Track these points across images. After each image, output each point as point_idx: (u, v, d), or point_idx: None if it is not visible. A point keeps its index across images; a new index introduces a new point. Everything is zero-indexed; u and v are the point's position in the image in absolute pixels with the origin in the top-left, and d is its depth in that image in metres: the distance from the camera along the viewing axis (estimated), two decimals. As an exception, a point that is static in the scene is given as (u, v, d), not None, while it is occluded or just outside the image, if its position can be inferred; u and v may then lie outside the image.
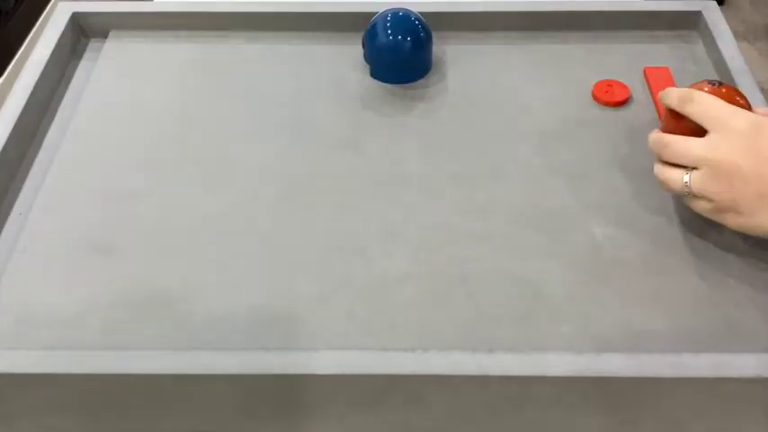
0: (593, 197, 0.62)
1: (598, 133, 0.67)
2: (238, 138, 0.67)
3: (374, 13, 0.73)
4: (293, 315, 0.54)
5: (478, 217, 0.60)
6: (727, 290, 0.55)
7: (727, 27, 0.75)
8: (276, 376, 0.49)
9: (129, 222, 0.60)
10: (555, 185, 0.63)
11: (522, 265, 0.57)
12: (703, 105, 0.54)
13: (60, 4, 0.79)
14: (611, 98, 0.70)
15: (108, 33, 0.79)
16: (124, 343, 0.52)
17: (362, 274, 0.56)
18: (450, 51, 0.76)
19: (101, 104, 0.71)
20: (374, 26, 0.71)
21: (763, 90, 0.68)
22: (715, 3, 0.78)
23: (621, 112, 0.70)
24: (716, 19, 0.76)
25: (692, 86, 0.58)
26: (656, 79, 0.72)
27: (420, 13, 0.73)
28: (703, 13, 0.76)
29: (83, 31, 0.79)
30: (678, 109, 0.56)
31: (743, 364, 0.49)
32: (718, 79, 0.57)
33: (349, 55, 0.75)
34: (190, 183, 0.63)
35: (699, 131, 0.54)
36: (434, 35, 0.73)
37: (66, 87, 0.73)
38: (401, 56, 0.71)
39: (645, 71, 0.73)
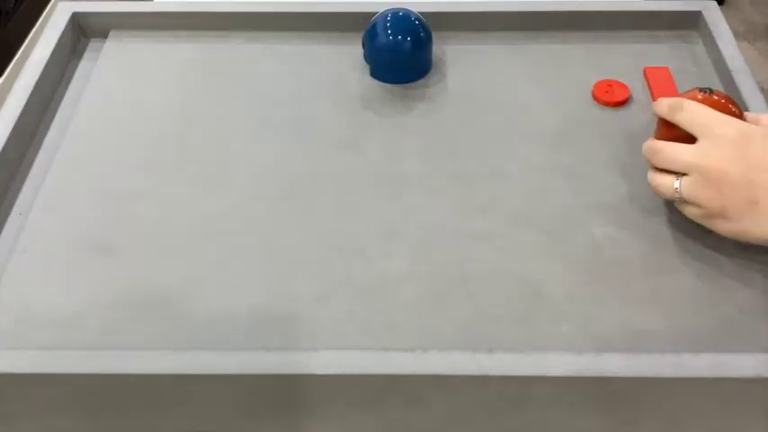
0: (593, 197, 0.62)
1: (598, 133, 0.67)
2: (238, 138, 0.67)
3: (374, 13, 0.73)
4: (293, 315, 0.54)
5: (478, 217, 0.60)
6: (727, 290, 0.55)
7: (727, 27, 0.75)
8: (276, 376, 0.49)
9: (129, 222, 0.60)
10: (555, 185, 0.63)
11: (522, 265, 0.57)
12: (692, 113, 0.56)
13: (60, 4, 0.79)
14: (611, 98, 0.70)
15: (108, 33, 0.79)
16: (124, 343, 0.52)
17: (362, 274, 0.56)
18: (450, 51, 0.76)
19: (101, 104, 0.71)
20: (374, 26, 0.71)
21: (763, 90, 0.68)
22: (715, 3, 0.78)
23: (621, 112, 0.70)
24: (716, 19, 0.76)
25: (683, 94, 0.59)
26: (656, 79, 0.72)
27: (420, 13, 0.73)
28: (703, 13, 0.76)
29: (83, 31, 0.79)
30: (668, 117, 0.57)
31: (743, 364, 0.49)
32: (709, 87, 0.58)
33: (349, 55, 0.75)
34: (190, 183, 0.63)
35: (689, 139, 0.55)
36: (434, 35, 0.73)
37: (66, 87, 0.73)
38: (401, 56, 0.71)
39: (645, 71, 0.73)
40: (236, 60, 0.76)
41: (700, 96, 0.57)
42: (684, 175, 0.55)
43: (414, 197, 0.62)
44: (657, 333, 0.52)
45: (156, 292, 0.55)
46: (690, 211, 0.56)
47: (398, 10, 0.72)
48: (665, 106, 0.58)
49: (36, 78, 0.70)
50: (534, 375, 0.49)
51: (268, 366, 0.50)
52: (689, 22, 0.77)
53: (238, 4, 0.79)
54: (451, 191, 0.62)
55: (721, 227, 0.54)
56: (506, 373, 0.49)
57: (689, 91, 0.59)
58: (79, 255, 0.58)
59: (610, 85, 0.71)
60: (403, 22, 0.71)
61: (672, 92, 0.70)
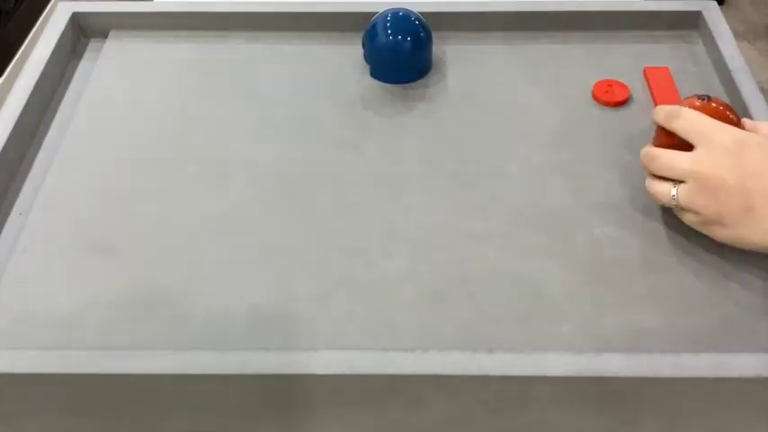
0: (594, 197, 0.62)
1: (598, 133, 0.67)
2: (238, 138, 0.67)
3: (374, 13, 0.73)
4: (293, 315, 0.54)
5: (478, 217, 0.60)
6: (727, 290, 0.55)
7: (728, 27, 0.75)
8: (276, 376, 0.49)
9: (129, 222, 0.60)
10: (555, 185, 0.63)
11: (522, 265, 0.57)
12: (689, 121, 0.56)
13: (60, 4, 0.79)
14: (611, 98, 0.70)
15: (108, 33, 0.79)
16: (124, 343, 0.52)
17: (362, 274, 0.56)
18: (450, 51, 0.76)
19: (101, 104, 0.71)
20: (374, 26, 0.71)
21: (763, 90, 0.68)
22: (715, 3, 0.78)
23: (621, 112, 0.70)
24: (716, 19, 0.76)
25: (682, 101, 0.59)
26: (656, 79, 0.72)
27: (420, 13, 0.73)
28: (703, 13, 0.76)
29: (83, 31, 0.79)
30: (665, 125, 0.58)
31: (743, 364, 0.49)
32: (707, 94, 0.58)
33: (349, 55, 0.75)
34: (190, 183, 0.63)
35: (687, 147, 0.56)
36: (434, 35, 0.73)
37: (66, 87, 0.73)
38: (401, 56, 0.71)
39: (645, 71, 0.73)
40: (236, 60, 0.76)
41: (698, 104, 0.58)
42: (681, 182, 0.55)
43: (414, 197, 0.62)
44: (657, 333, 0.52)
45: (156, 292, 0.55)
46: (687, 218, 0.56)
47: (398, 10, 0.72)
48: (662, 114, 0.58)
49: (36, 78, 0.70)
50: (534, 375, 0.49)
51: (268, 366, 0.50)
52: (689, 22, 0.77)
53: (238, 4, 0.79)
54: (451, 191, 0.62)
55: (718, 233, 0.55)
56: (506, 373, 0.49)
57: (687, 98, 0.59)
58: (79, 255, 0.58)
59: (610, 85, 0.71)
60: (403, 22, 0.71)
61: (672, 92, 0.70)
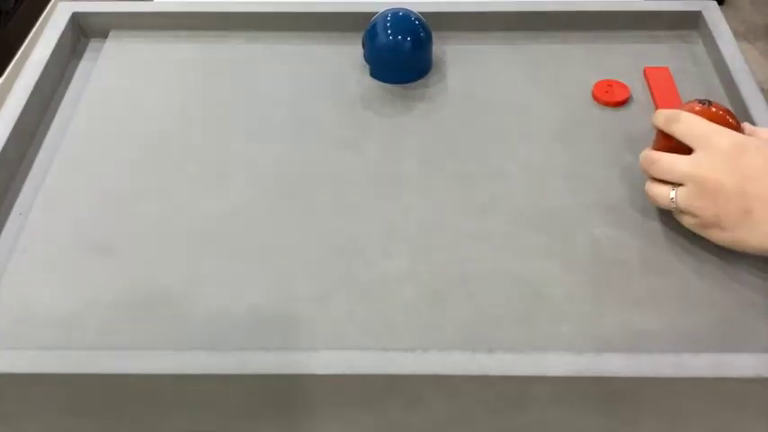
0: (594, 197, 0.62)
1: (598, 133, 0.67)
2: (238, 138, 0.67)
3: (374, 13, 0.73)
4: (293, 315, 0.54)
5: (478, 217, 0.60)
6: (727, 290, 0.55)
7: (728, 27, 0.75)
8: (276, 376, 0.49)
9: (129, 222, 0.60)
10: (555, 185, 0.63)
11: (522, 265, 0.57)
12: (688, 125, 0.56)
13: (60, 4, 0.79)
14: (611, 98, 0.70)
15: (108, 33, 0.79)
16: (124, 343, 0.52)
17: (362, 274, 0.56)
18: (450, 51, 0.76)
19: (101, 104, 0.71)
20: (374, 26, 0.71)
21: (763, 90, 0.68)
22: (715, 3, 0.78)
23: (621, 112, 0.70)
24: (716, 19, 0.76)
25: (682, 106, 0.60)
26: (656, 79, 0.72)
27: (420, 13, 0.73)
28: (703, 13, 0.76)
29: (83, 31, 0.79)
30: (665, 129, 0.58)
31: (743, 364, 0.49)
32: (708, 99, 0.59)
33: (349, 55, 0.76)
34: (190, 183, 0.63)
35: (687, 150, 0.56)
36: (434, 35, 0.73)
37: (66, 87, 0.73)
38: (401, 56, 0.71)
39: (645, 71, 0.73)
40: (236, 60, 0.76)
41: (698, 108, 0.58)
42: (680, 185, 0.56)
43: (414, 197, 0.62)
44: (657, 333, 0.52)
45: (156, 292, 0.55)
46: (686, 221, 0.57)
47: (398, 10, 0.72)
48: (662, 118, 0.59)
49: (36, 78, 0.70)
50: (534, 375, 0.49)
51: (268, 366, 0.50)
52: (689, 22, 0.77)
53: (238, 4, 0.79)
54: (451, 191, 0.62)
55: (716, 236, 0.55)
56: (506, 373, 0.49)
57: (688, 103, 0.60)
58: (79, 255, 0.58)
59: (610, 85, 0.71)
60: (403, 22, 0.71)
61: (672, 92, 0.70)
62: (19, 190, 0.63)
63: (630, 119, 0.69)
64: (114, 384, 0.50)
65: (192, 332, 0.53)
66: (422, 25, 0.71)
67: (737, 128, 0.57)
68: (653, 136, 0.61)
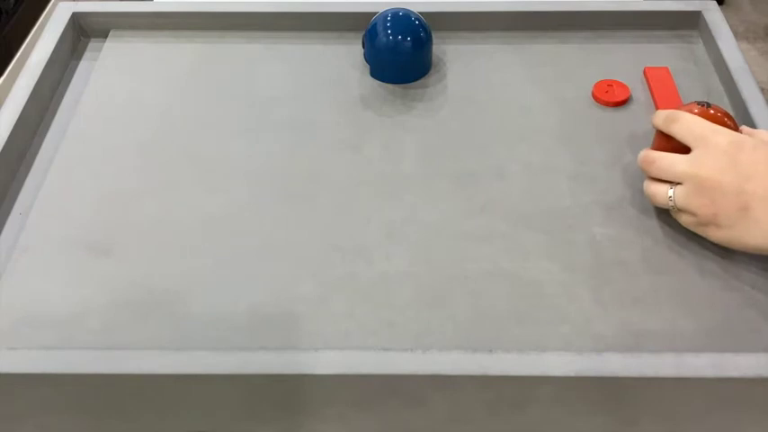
0: (594, 197, 0.62)
1: (598, 133, 0.67)
2: (238, 138, 0.67)
3: (374, 13, 0.73)
4: (293, 315, 0.54)
5: (478, 217, 0.60)
6: (728, 290, 0.55)
7: (728, 27, 0.75)
8: (276, 376, 0.49)
9: (129, 222, 0.60)
10: (555, 185, 0.63)
11: (522, 265, 0.57)
12: (687, 124, 0.57)
13: (60, 4, 0.79)
14: (611, 98, 0.70)
15: (108, 33, 0.79)
16: (124, 343, 0.52)
17: (362, 274, 0.56)
18: (450, 51, 0.76)
19: (101, 104, 0.71)
20: (374, 26, 0.71)
21: (763, 90, 0.68)
22: (715, 3, 0.78)
23: (621, 112, 0.70)
24: (716, 19, 0.76)
25: (681, 107, 0.60)
26: (655, 79, 0.72)
27: (420, 13, 0.73)
28: (703, 13, 0.76)
29: (83, 31, 0.79)
30: (663, 129, 0.59)
31: (743, 364, 0.49)
32: (706, 101, 0.59)
33: (349, 55, 0.76)
34: (190, 183, 0.63)
35: (685, 150, 0.57)
36: (434, 35, 0.73)
37: (66, 87, 0.73)
38: (401, 56, 0.71)
39: (645, 71, 0.73)
40: (236, 60, 0.76)
41: (697, 110, 0.58)
42: (679, 184, 0.56)
43: (414, 197, 0.62)
44: (657, 333, 0.52)
45: (156, 292, 0.55)
46: (684, 220, 0.57)
47: (398, 10, 0.72)
48: (661, 118, 0.59)
49: (36, 78, 0.70)
50: (534, 375, 0.49)
51: (268, 366, 0.50)
52: (689, 22, 0.77)
53: (238, 3, 0.79)
54: (451, 191, 0.62)
55: (714, 234, 0.55)
56: (506, 373, 0.49)
57: (687, 104, 0.60)
58: (79, 255, 0.58)
59: (610, 85, 0.71)
60: (403, 22, 0.71)
61: (672, 92, 0.70)
62: (19, 190, 0.63)
63: (630, 119, 0.69)
64: (114, 384, 0.50)
65: (192, 332, 0.53)
66: (422, 25, 0.71)
67: (736, 130, 0.57)
68: (653, 136, 0.61)
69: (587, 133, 0.67)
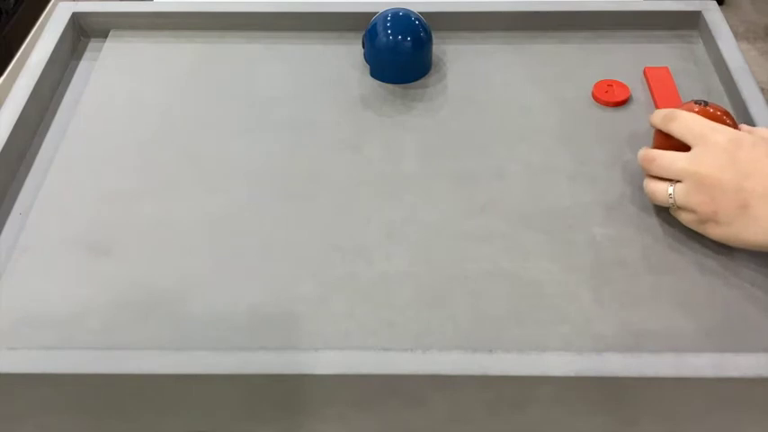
0: (593, 197, 0.62)
1: (598, 133, 0.67)
2: (238, 138, 0.67)
3: (374, 13, 0.73)
4: (293, 315, 0.54)
5: (478, 217, 0.60)
6: (728, 290, 0.55)
7: (728, 27, 0.75)
8: (276, 376, 0.49)
9: (129, 222, 0.60)
10: (555, 185, 0.63)
11: (522, 265, 0.57)
12: (685, 123, 0.57)
13: (60, 4, 0.79)
14: (611, 98, 0.70)
15: (108, 33, 0.79)
16: (124, 343, 0.52)
17: (362, 274, 0.56)
18: (450, 51, 0.76)
19: (101, 104, 0.71)
20: (374, 26, 0.71)
21: (763, 90, 0.68)
22: (715, 3, 0.78)
23: (621, 112, 0.70)
24: (716, 19, 0.76)
25: (680, 107, 0.60)
26: (655, 79, 0.72)
27: (420, 13, 0.73)
28: (703, 13, 0.76)
29: (83, 31, 0.79)
30: (662, 128, 0.59)
31: (743, 364, 0.49)
32: (705, 99, 0.59)
33: (349, 55, 0.76)
34: (190, 183, 0.63)
35: (685, 149, 0.57)
36: (434, 35, 0.73)
37: (66, 87, 0.73)
38: (401, 56, 0.71)
39: (645, 71, 0.73)
40: (236, 60, 0.76)
41: (696, 109, 0.59)
42: (678, 181, 0.56)
43: (414, 197, 0.62)
44: (657, 333, 0.52)
45: (156, 292, 0.55)
46: (684, 217, 0.57)
47: (398, 10, 0.72)
48: (659, 117, 0.59)
49: (36, 78, 0.70)
50: (534, 375, 0.49)
51: (268, 366, 0.50)
52: (689, 22, 0.77)
53: (238, 3, 0.79)
54: (451, 191, 0.62)
55: (713, 232, 0.55)
56: (506, 373, 0.49)
57: (685, 103, 0.60)
58: (79, 255, 0.58)
59: (610, 85, 0.71)
60: (403, 22, 0.71)
61: (672, 92, 0.70)
62: (19, 190, 0.63)
63: (630, 119, 0.69)
64: (114, 384, 0.50)
65: (192, 332, 0.53)
66: (422, 25, 0.71)
67: (735, 128, 0.58)
68: (652, 136, 0.61)
69: (587, 133, 0.67)
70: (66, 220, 0.61)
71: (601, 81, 0.72)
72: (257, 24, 0.78)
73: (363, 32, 0.73)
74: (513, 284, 0.55)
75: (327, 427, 0.53)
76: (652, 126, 0.60)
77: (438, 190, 0.62)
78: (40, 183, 0.64)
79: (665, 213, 0.60)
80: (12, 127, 0.65)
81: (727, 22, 0.75)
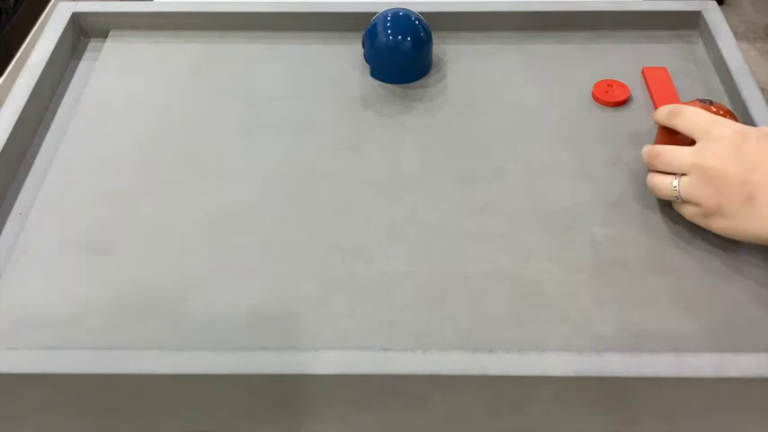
0: (594, 197, 0.62)
1: (598, 133, 0.67)
2: (238, 138, 0.67)
3: (374, 13, 0.73)
4: (293, 315, 0.54)
5: (478, 217, 0.60)
6: (728, 290, 0.55)
7: (728, 27, 0.75)
8: (276, 376, 0.49)
9: (129, 222, 0.60)
10: (555, 185, 0.63)
11: (522, 265, 0.57)
12: (690, 117, 0.57)
13: (60, 4, 0.79)
14: (611, 98, 0.70)
15: (108, 33, 0.79)
16: (124, 343, 0.52)
17: (362, 274, 0.56)
18: (450, 51, 0.76)
19: (101, 104, 0.71)
20: (374, 26, 0.71)
21: (763, 90, 0.68)
22: (715, 3, 0.78)
23: (621, 112, 0.70)
24: (716, 19, 0.76)
25: (684, 104, 0.60)
26: (654, 79, 0.72)
27: (420, 13, 0.73)
28: (703, 13, 0.76)
29: (83, 31, 0.79)
30: (667, 123, 0.59)
31: (743, 364, 0.49)
32: (709, 98, 0.59)
33: (349, 55, 0.76)
34: (190, 183, 0.63)
35: (689, 144, 0.57)
36: (434, 35, 0.73)
37: (66, 87, 0.73)
38: (401, 56, 0.71)
39: (643, 71, 0.73)
40: (236, 60, 0.76)
41: (699, 106, 0.58)
42: (683, 175, 0.56)
43: (414, 197, 0.62)
44: (657, 333, 0.52)
45: (156, 292, 0.55)
46: (687, 211, 0.57)
47: (398, 10, 0.72)
48: (663, 113, 0.59)
49: (36, 78, 0.70)
50: (534, 375, 0.49)
51: (268, 366, 0.50)
52: (689, 22, 0.77)
53: (238, 3, 0.79)
54: (451, 191, 0.62)
55: (717, 224, 0.55)
56: (506, 373, 0.49)
57: (689, 102, 0.60)
58: (79, 255, 0.58)
59: (610, 85, 0.71)
60: (403, 22, 0.71)
61: (670, 91, 0.70)
62: (19, 190, 0.63)
63: (630, 119, 0.69)
64: (114, 384, 0.50)
65: (192, 332, 0.53)
66: (422, 25, 0.71)
67: None
68: (653, 136, 0.61)
69: (587, 133, 0.67)
70: (66, 220, 0.61)
71: (601, 81, 0.72)
72: (257, 24, 0.78)
73: (363, 32, 0.73)
74: (513, 284, 0.55)
75: (327, 427, 0.53)
76: (656, 123, 0.60)
77: (438, 190, 0.62)
78: (40, 183, 0.64)
79: (665, 213, 0.60)
80: (12, 127, 0.65)
81: (727, 22, 0.75)
